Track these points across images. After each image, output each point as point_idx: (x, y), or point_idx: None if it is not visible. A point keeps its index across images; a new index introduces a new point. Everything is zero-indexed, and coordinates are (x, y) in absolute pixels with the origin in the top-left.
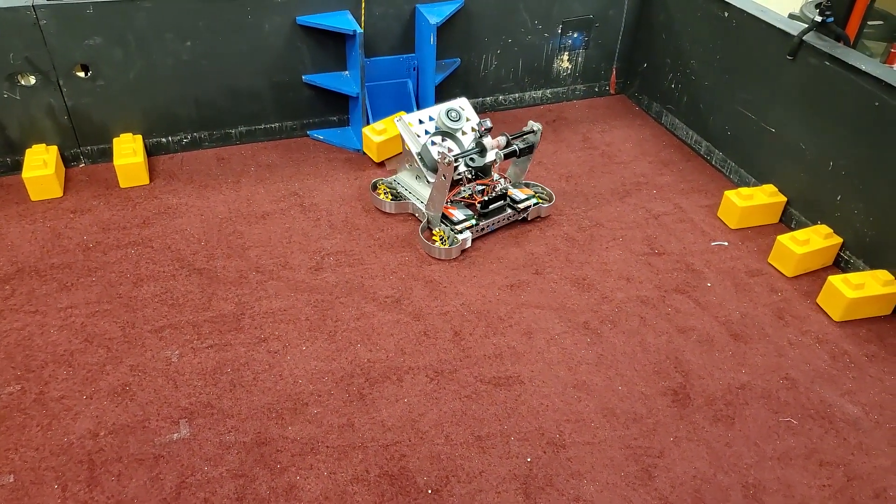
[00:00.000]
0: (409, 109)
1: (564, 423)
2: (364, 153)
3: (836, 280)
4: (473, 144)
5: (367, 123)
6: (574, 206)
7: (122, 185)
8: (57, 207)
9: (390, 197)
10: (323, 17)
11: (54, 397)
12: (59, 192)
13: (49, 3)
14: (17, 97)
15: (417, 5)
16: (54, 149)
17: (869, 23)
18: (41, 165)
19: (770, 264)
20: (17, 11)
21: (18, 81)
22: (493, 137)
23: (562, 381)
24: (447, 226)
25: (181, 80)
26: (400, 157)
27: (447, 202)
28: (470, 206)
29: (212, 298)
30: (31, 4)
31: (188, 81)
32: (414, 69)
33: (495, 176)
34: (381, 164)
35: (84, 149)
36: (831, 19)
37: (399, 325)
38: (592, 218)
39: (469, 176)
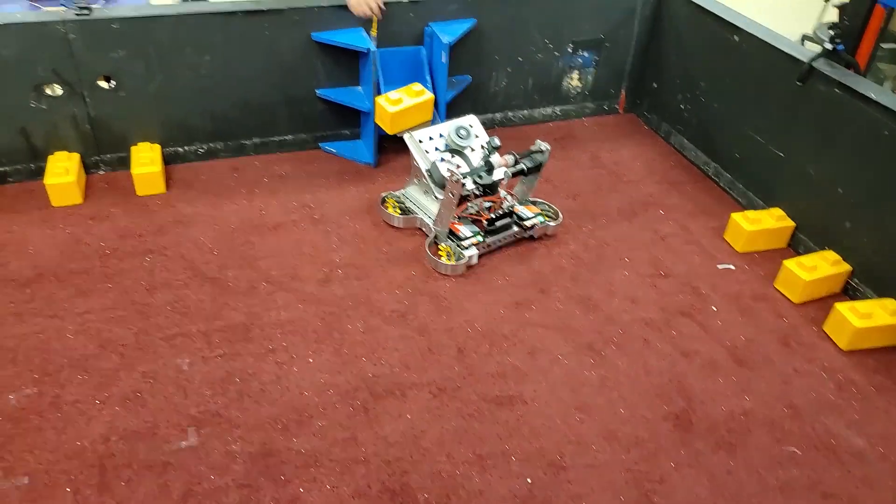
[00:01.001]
0: (422, 80)
1: (566, 444)
2: (372, 164)
3: (843, 308)
4: (482, 162)
5: (379, 92)
6: (581, 225)
7: (139, 194)
8: (77, 214)
9: (399, 211)
10: (338, 33)
11: (69, 401)
12: (79, 199)
13: (78, 18)
14: (44, 106)
15: (431, 23)
16: (76, 156)
17: (882, 45)
18: (63, 172)
19: (776, 289)
20: (48, 26)
21: (45, 92)
22: (502, 155)
23: (564, 402)
24: (454, 242)
25: (199, 93)
26: (415, 130)
27: (454, 218)
28: (477, 222)
29: (222, 308)
30: (61, 20)
31: (205, 94)
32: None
33: (502, 193)
34: (394, 137)
35: (104, 157)
36: (841, 47)
37: (404, 339)
38: (599, 237)
39: (477, 192)
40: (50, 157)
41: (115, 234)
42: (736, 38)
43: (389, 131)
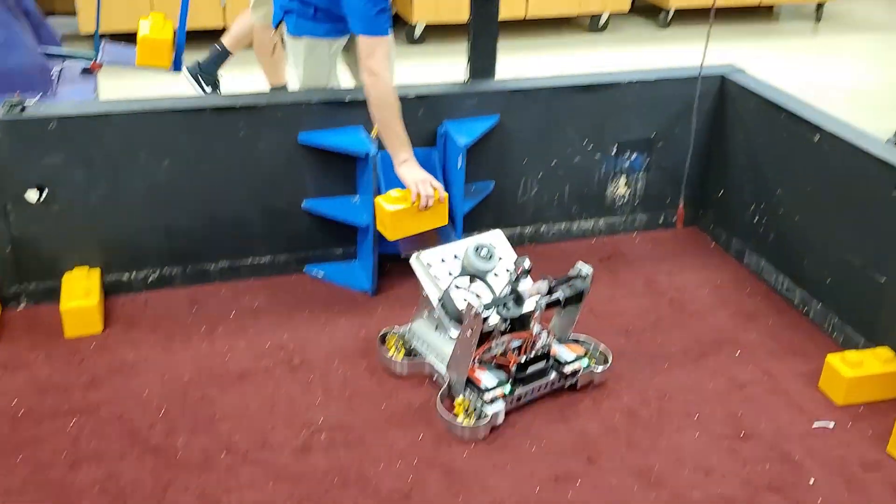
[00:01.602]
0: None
1: None
2: (370, 291)
3: None
4: (508, 290)
5: (378, 193)
6: (636, 371)
7: (67, 335)
8: None
9: (402, 353)
10: (330, 133)
11: None
12: None
13: (6, 118)
14: None
15: (445, 121)
16: None
17: None
18: None
19: (889, 455)
20: None
21: None
22: (534, 281)
23: None
24: (473, 394)
25: (153, 205)
26: (421, 239)
27: (474, 362)
28: (503, 367)
29: (167, 489)
30: None
31: (161, 206)
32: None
33: (536, 329)
34: (398, 249)
35: (26, 286)
36: None
37: None
38: (659, 387)
39: (502, 329)
40: None
41: (33, 389)
42: (816, 137)
43: (390, 237)
